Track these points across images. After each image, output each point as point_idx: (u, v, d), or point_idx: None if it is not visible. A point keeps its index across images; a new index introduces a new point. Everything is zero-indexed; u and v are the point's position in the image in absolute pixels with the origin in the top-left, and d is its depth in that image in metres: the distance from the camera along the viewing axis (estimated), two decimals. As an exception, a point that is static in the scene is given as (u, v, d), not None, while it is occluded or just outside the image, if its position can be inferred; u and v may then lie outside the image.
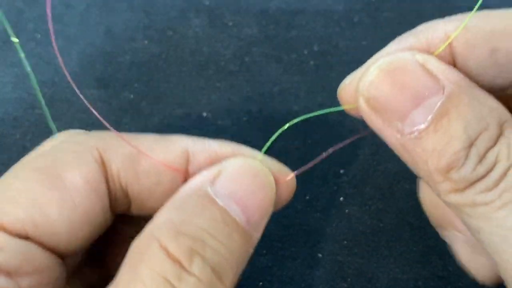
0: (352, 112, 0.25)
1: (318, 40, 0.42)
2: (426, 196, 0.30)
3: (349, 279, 0.34)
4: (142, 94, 0.40)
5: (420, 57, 0.22)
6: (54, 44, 0.27)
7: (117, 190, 0.25)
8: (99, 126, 0.39)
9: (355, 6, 0.43)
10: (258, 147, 0.38)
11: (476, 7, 0.23)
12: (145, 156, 0.24)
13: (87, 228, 0.24)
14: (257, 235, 0.24)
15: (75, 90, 0.40)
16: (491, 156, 0.20)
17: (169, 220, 0.22)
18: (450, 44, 0.22)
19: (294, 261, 0.35)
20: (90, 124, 0.39)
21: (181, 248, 0.21)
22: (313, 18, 0.43)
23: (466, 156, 0.20)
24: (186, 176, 0.25)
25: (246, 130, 0.39)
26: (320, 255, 0.35)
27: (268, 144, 0.25)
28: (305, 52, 0.41)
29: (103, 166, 0.24)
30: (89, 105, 0.25)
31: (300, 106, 0.39)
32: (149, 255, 0.21)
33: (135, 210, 0.26)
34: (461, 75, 0.22)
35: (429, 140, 0.21)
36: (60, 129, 0.39)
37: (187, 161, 0.25)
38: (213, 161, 0.24)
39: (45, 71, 0.41)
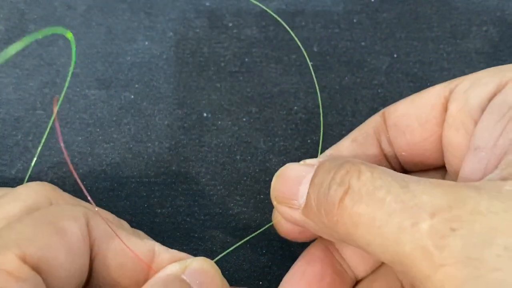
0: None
1: (318, 41, 0.42)
2: None
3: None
4: (143, 95, 0.40)
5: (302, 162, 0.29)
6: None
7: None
8: (99, 126, 0.39)
9: (354, 7, 0.43)
10: (258, 147, 0.38)
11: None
12: (117, 239, 0.27)
13: (79, 277, 0.26)
14: None
15: (76, 90, 0.40)
16: (345, 179, 0.25)
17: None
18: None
19: (294, 261, 0.35)
20: (91, 124, 0.39)
21: None
22: (312, 18, 0.43)
23: (329, 187, 0.25)
24: (149, 270, 0.28)
25: (246, 130, 0.39)
26: (319, 254, 0.35)
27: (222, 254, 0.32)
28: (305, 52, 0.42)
29: (89, 229, 0.27)
30: (78, 180, 0.27)
31: (300, 106, 0.40)
32: None
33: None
34: (326, 158, 0.28)
35: (310, 198, 0.27)
36: (60, 129, 0.39)
37: (152, 258, 0.28)
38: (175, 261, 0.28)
39: (46, 72, 0.41)
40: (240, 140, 0.39)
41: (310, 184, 0.27)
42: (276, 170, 0.28)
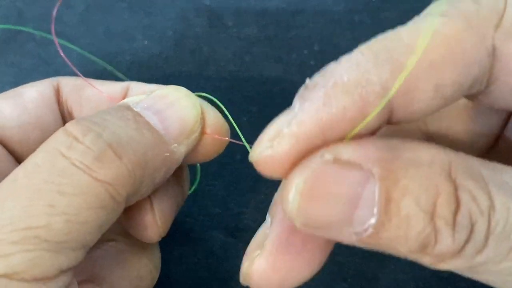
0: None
1: (318, 40, 0.42)
2: None
3: (349, 279, 0.34)
4: (142, 94, 0.40)
5: (329, 155, 0.18)
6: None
7: (65, 112, 0.30)
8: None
9: (355, 6, 0.43)
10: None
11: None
12: (90, 87, 0.29)
13: (38, 132, 0.28)
14: (180, 148, 0.25)
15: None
16: (464, 220, 0.18)
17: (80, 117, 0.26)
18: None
19: (294, 261, 0.35)
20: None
21: (78, 126, 0.23)
22: (313, 18, 0.43)
23: (435, 231, 0.18)
24: None
25: (246, 130, 0.39)
26: (320, 255, 0.35)
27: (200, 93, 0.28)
28: (305, 52, 0.41)
29: (58, 91, 0.29)
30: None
31: (300, 106, 0.39)
32: (52, 136, 0.23)
33: None
34: (382, 145, 0.19)
35: (388, 230, 0.18)
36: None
37: (125, 96, 0.29)
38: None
39: (45, 71, 0.41)
40: (240, 140, 0.39)
41: (383, 212, 0.18)
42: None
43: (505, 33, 0.19)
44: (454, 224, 0.18)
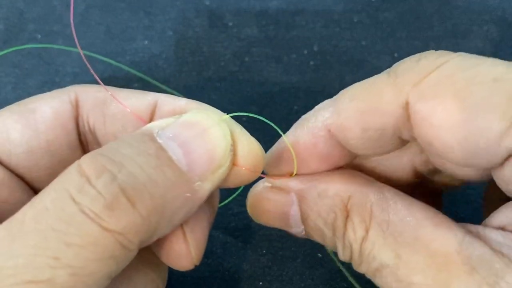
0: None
1: (318, 40, 0.42)
2: None
3: (349, 279, 0.34)
4: (142, 94, 0.40)
5: (268, 183, 0.27)
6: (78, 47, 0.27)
7: (86, 131, 0.27)
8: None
9: (355, 6, 0.43)
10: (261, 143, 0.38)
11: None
12: (114, 102, 0.25)
13: (49, 157, 0.25)
14: (204, 186, 0.23)
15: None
16: (347, 242, 0.25)
17: (101, 147, 0.22)
18: (329, 130, 0.25)
19: (294, 261, 0.35)
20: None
21: (93, 165, 0.21)
22: (313, 18, 0.43)
23: (336, 243, 0.25)
24: None
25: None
26: (320, 255, 0.35)
27: (237, 113, 0.26)
28: (305, 52, 0.41)
29: (76, 106, 0.26)
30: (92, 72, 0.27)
31: (300, 106, 0.39)
32: (65, 172, 0.21)
33: None
34: (304, 180, 0.26)
35: (312, 235, 0.26)
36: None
37: (153, 112, 0.26)
38: (177, 114, 0.24)
39: (45, 71, 0.41)
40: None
41: (305, 224, 0.26)
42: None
43: (418, 92, 0.22)
44: (343, 243, 0.25)
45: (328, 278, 0.34)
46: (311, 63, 0.41)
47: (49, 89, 0.40)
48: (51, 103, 0.26)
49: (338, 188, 0.25)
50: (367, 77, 0.24)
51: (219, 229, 0.36)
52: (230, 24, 0.42)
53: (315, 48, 0.42)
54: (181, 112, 0.25)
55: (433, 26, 0.42)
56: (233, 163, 0.24)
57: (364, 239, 0.24)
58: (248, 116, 0.39)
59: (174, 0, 0.43)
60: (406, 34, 0.42)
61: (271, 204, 0.27)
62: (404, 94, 0.22)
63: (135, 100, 0.26)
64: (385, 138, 0.24)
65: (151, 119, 0.26)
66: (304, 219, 0.26)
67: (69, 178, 0.21)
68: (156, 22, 0.42)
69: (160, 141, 0.22)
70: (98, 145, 0.27)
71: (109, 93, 0.25)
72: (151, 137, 0.22)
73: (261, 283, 0.34)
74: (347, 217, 0.25)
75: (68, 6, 0.43)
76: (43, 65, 0.41)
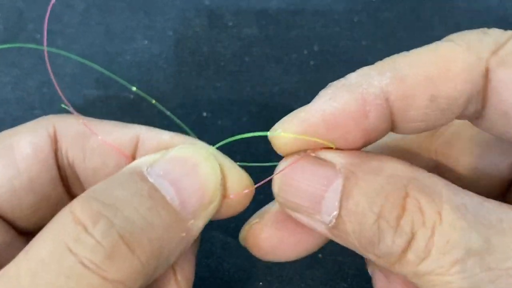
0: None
1: (318, 40, 0.42)
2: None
3: (349, 279, 0.34)
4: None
5: (312, 153, 0.23)
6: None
7: (66, 166, 0.25)
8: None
9: (355, 6, 0.43)
10: (259, 147, 0.38)
11: None
12: (94, 136, 0.24)
13: (32, 196, 0.24)
14: (197, 223, 0.23)
15: (75, 91, 0.40)
16: (405, 226, 0.20)
17: (89, 190, 0.21)
18: (386, 99, 0.21)
19: (294, 261, 0.35)
20: (90, 124, 0.39)
21: (87, 212, 0.20)
22: (313, 18, 0.43)
23: (379, 231, 0.21)
24: (131, 161, 0.24)
25: (246, 130, 0.39)
26: (320, 255, 0.35)
27: (223, 142, 0.25)
28: (305, 52, 0.41)
29: (55, 139, 0.25)
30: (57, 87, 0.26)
31: (300, 106, 0.39)
32: (57, 219, 0.20)
33: None
34: (355, 154, 0.22)
35: (343, 223, 0.21)
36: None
37: (136, 147, 0.25)
38: (162, 150, 0.24)
39: (45, 71, 0.41)
40: (240, 140, 0.39)
41: (342, 206, 0.21)
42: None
43: (499, 59, 0.21)
44: (396, 228, 0.20)
45: (328, 279, 0.34)
46: (311, 63, 0.41)
47: (49, 90, 0.40)
48: (29, 137, 0.25)
49: (397, 167, 0.22)
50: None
51: (219, 229, 0.36)
52: (230, 24, 0.42)
53: (315, 48, 0.41)
54: (165, 147, 0.24)
55: (434, 26, 0.42)
56: (223, 195, 0.24)
57: (436, 222, 0.20)
58: (249, 115, 0.39)
59: (174, 0, 0.43)
60: (407, 34, 0.42)
61: (307, 177, 0.22)
62: (483, 61, 0.21)
63: (117, 134, 0.25)
64: (452, 108, 0.21)
65: (133, 154, 0.25)
66: (343, 200, 0.21)
67: (63, 227, 0.20)
68: (156, 22, 0.42)
69: (151, 180, 0.22)
70: (78, 180, 0.26)
71: (88, 127, 0.24)
72: (142, 176, 0.22)
73: (261, 283, 0.34)
74: (405, 197, 0.21)
75: (69, 6, 0.43)
76: (42, 64, 0.41)
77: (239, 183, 0.24)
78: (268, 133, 0.23)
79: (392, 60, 0.22)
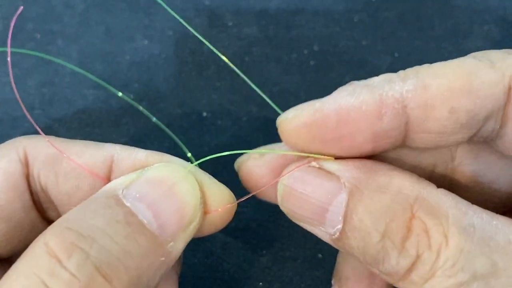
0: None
1: (318, 40, 0.42)
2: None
3: (349, 280, 0.34)
4: (142, 94, 0.40)
5: (316, 163, 0.23)
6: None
7: (38, 190, 0.25)
8: (98, 126, 0.39)
9: (355, 5, 0.43)
10: (258, 147, 0.38)
11: None
12: (66, 159, 0.23)
13: (3, 224, 0.23)
14: (177, 245, 0.22)
15: (75, 90, 0.40)
16: (411, 248, 0.20)
17: (63, 218, 0.21)
18: (405, 106, 0.21)
19: (294, 261, 0.35)
20: (90, 124, 0.39)
21: (61, 243, 0.19)
22: (313, 18, 0.43)
23: (384, 251, 0.20)
24: (107, 183, 0.23)
25: (246, 130, 0.39)
26: (320, 255, 0.35)
27: (205, 159, 0.24)
28: (305, 52, 0.41)
29: (26, 164, 0.24)
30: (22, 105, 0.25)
31: (300, 106, 0.39)
32: (31, 252, 0.20)
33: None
34: (361, 167, 0.22)
35: (348, 238, 0.21)
36: (59, 129, 0.39)
37: (110, 168, 0.24)
38: (138, 169, 0.23)
39: (44, 71, 0.41)
40: (240, 140, 0.39)
41: (346, 222, 0.21)
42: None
43: None
44: (401, 249, 0.20)
45: (328, 279, 0.34)
46: (311, 63, 0.41)
47: (48, 90, 0.40)
48: (0, 163, 0.24)
49: (404, 185, 0.21)
50: (367, 77, 0.24)
51: (219, 230, 0.36)
52: (230, 24, 0.42)
53: (315, 48, 0.41)
54: (141, 166, 0.23)
55: (434, 26, 0.42)
56: (204, 212, 0.23)
57: (442, 245, 0.20)
58: (249, 115, 0.39)
59: (174, 0, 0.43)
60: (407, 34, 0.42)
61: (310, 189, 0.22)
62: (506, 78, 0.21)
63: (90, 156, 0.24)
64: (470, 123, 0.21)
65: (108, 176, 0.24)
66: (347, 215, 0.21)
67: (37, 261, 0.19)
68: (156, 22, 0.42)
69: (127, 204, 0.21)
70: (53, 203, 0.25)
71: (59, 150, 0.23)
72: (117, 200, 0.21)
73: (261, 283, 0.34)
74: (411, 218, 0.20)
75: (69, 6, 0.43)
76: (42, 65, 0.41)
77: (221, 199, 0.24)
78: (277, 120, 0.23)
79: (415, 69, 0.22)
